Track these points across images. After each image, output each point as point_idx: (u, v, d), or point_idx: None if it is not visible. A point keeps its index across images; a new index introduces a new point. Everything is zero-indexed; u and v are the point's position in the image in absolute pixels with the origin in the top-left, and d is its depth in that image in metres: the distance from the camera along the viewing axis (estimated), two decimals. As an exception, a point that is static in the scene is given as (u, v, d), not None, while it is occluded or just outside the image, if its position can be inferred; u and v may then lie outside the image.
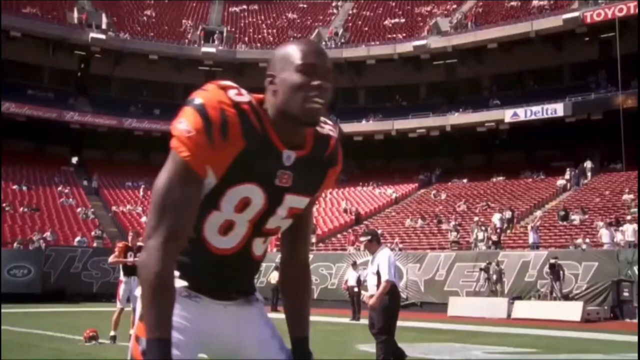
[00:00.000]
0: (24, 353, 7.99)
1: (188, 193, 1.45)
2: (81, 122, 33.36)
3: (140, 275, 1.42)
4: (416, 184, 32.42)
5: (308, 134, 1.59)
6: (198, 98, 1.46)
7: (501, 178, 30.64)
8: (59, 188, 29.66)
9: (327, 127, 1.66)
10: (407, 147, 34.29)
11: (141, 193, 31.68)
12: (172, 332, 1.44)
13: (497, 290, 17.68)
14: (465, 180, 31.46)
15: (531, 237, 20.01)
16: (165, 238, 1.42)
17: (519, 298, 17.12)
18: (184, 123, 1.45)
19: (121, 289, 9.03)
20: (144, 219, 27.97)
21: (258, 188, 1.52)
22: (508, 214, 23.66)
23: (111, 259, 9.22)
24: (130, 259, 8.81)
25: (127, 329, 8.32)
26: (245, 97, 1.50)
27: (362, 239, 6.85)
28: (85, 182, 31.86)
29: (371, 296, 6.24)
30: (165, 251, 1.42)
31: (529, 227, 20.73)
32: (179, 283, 1.59)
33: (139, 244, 8.75)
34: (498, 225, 22.62)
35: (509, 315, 16.19)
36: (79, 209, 27.99)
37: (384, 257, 6.21)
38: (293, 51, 1.50)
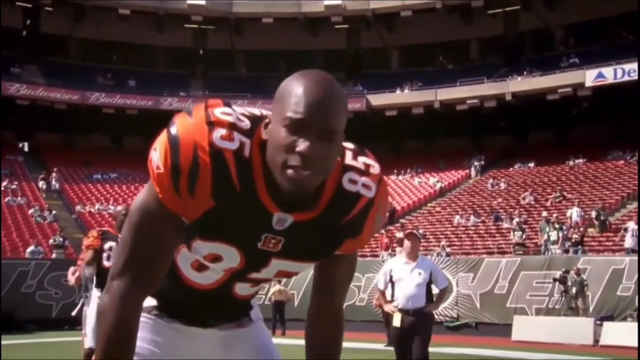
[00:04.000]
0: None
1: (162, 232, 1.56)
2: (31, 97, 33.40)
3: (98, 322, 1.57)
4: (467, 171, 32.49)
5: (326, 189, 1.58)
6: (177, 125, 1.51)
7: (580, 161, 30.50)
8: (4, 183, 29.58)
9: (361, 181, 1.62)
10: (454, 123, 34.24)
11: (114, 188, 31.62)
12: None
13: (579, 308, 17.45)
14: (531, 165, 31.44)
15: (629, 239, 19.71)
16: (131, 285, 1.55)
17: (610, 318, 16.85)
18: (157, 153, 1.52)
19: (89, 314, 8.03)
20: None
21: (233, 248, 1.60)
22: (591, 208, 23.46)
23: (71, 275, 8.74)
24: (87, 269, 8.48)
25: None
26: (233, 142, 1.50)
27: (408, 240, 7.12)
28: (39, 175, 31.84)
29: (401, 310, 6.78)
30: (130, 300, 1.55)
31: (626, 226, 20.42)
32: (148, 301, 1.73)
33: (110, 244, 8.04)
34: (577, 222, 22.35)
35: (596, 341, 15.97)
36: (31, 210, 28.03)
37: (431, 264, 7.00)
38: (287, 93, 1.48)
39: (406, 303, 6.80)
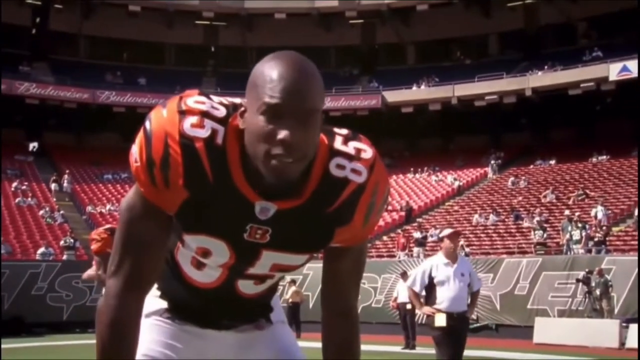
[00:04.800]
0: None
1: (150, 229, 1.57)
2: (40, 97, 33.53)
3: (96, 321, 1.62)
4: (485, 169, 32.42)
5: (312, 176, 1.55)
6: (151, 117, 1.54)
7: (604, 157, 30.38)
8: (14, 184, 29.76)
9: (350, 166, 1.57)
10: (472, 120, 34.22)
11: (125, 188, 31.74)
12: None
13: (603, 309, 17.35)
14: (552, 162, 31.37)
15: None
16: (125, 284, 1.57)
17: (636, 320, 16.54)
18: (135, 147, 1.55)
19: None
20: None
21: (219, 241, 1.60)
22: (615, 206, 23.52)
23: (87, 273, 8.91)
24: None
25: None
26: (204, 129, 1.50)
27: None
28: (49, 176, 32.03)
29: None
30: (125, 300, 1.56)
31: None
32: (160, 304, 1.80)
33: None
34: (602, 220, 22.23)
35: (622, 344, 15.79)
36: (41, 212, 28.17)
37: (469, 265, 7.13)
38: (260, 78, 1.46)
39: (452, 306, 6.67)
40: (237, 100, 1.60)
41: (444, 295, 6.67)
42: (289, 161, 1.43)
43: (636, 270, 17.50)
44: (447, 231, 7.02)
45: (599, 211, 22.91)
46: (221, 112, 1.53)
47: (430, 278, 6.74)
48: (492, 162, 32.52)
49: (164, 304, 1.83)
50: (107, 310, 1.56)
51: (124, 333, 1.57)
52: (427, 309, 6.81)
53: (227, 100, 1.58)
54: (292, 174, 1.46)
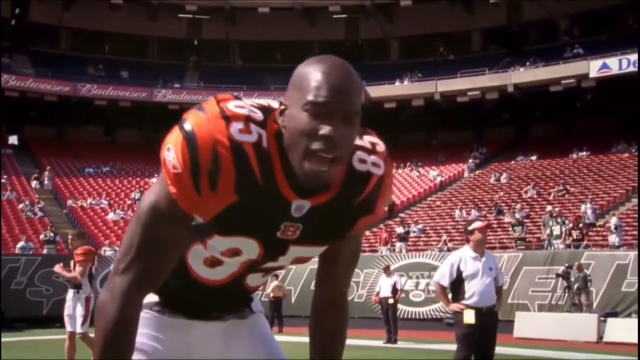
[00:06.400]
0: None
1: (172, 232, 1.58)
2: (20, 89, 33.27)
3: (97, 318, 1.57)
4: (468, 164, 32.39)
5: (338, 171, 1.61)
6: (191, 122, 1.52)
7: (584, 153, 30.56)
8: (-6, 177, 29.58)
9: (370, 160, 1.67)
10: (455, 116, 34.25)
11: (106, 182, 31.58)
12: (142, 357, 1.76)
13: (582, 304, 17.48)
14: (534, 158, 31.52)
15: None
16: (135, 283, 1.57)
17: (614, 315, 16.85)
18: (172, 153, 1.52)
19: (66, 307, 9.05)
20: (111, 215, 27.96)
21: (252, 241, 1.63)
22: (595, 202, 23.68)
23: (62, 271, 9.10)
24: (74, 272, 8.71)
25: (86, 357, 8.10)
26: (252, 134, 1.53)
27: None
28: (29, 169, 31.85)
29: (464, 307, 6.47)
30: (132, 298, 1.57)
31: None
32: (150, 297, 1.78)
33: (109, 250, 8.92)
34: (589, 217, 22.57)
35: (599, 337, 15.94)
36: (21, 205, 27.96)
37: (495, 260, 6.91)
38: (306, 78, 1.51)
39: (481, 301, 6.43)
40: (263, 102, 1.63)
41: (473, 290, 6.42)
42: (328, 158, 1.48)
43: (615, 264, 17.68)
44: (478, 224, 6.74)
45: (588, 208, 23.03)
46: (259, 115, 1.56)
47: (459, 272, 6.47)
48: (470, 161, 32.58)
49: (154, 298, 1.84)
50: (115, 307, 1.56)
51: (130, 330, 1.58)
52: (455, 306, 6.51)
53: (256, 102, 1.61)
54: (327, 178, 1.52)
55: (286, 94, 1.55)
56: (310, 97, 1.47)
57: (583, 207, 23.47)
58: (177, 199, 1.53)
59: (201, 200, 1.53)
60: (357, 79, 1.54)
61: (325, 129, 1.46)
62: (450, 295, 6.62)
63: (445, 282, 6.57)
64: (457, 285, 6.48)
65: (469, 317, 6.35)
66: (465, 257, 6.49)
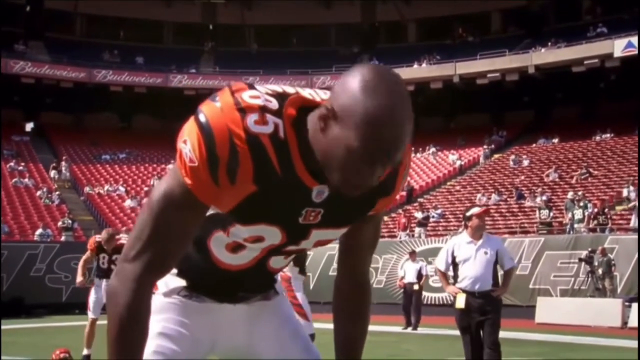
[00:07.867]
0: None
1: (186, 220, 1.59)
2: (36, 75, 33.42)
3: (108, 305, 1.58)
4: (488, 147, 32.27)
5: None
6: (206, 114, 1.51)
7: (607, 136, 30.33)
8: (10, 164, 29.88)
9: None
10: (474, 98, 34.14)
11: (123, 168, 31.75)
12: (167, 343, 1.81)
13: (606, 289, 17.41)
14: (555, 141, 31.34)
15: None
16: (146, 268, 1.58)
17: (639, 299, 16.62)
18: (188, 146, 1.52)
19: (92, 295, 9.45)
20: (128, 202, 28.11)
21: (275, 228, 1.66)
22: (619, 185, 23.64)
23: (79, 276, 9.68)
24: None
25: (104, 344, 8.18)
26: (268, 125, 1.52)
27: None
28: (46, 156, 32.04)
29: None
30: (143, 283, 1.58)
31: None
32: (177, 282, 1.87)
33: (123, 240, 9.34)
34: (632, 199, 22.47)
35: (624, 323, 15.90)
36: (39, 192, 28.21)
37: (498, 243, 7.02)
38: (359, 112, 1.43)
39: (472, 285, 6.58)
40: (278, 88, 1.60)
41: (464, 274, 6.62)
42: (364, 186, 1.53)
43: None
44: (476, 209, 6.89)
45: (631, 191, 22.93)
46: (274, 104, 1.54)
47: (453, 257, 6.71)
48: (495, 140, 32.53)
49: (182, 282, 1.88)
50: (126, 292, 1.56)
51: (142, 315, 1.59)
52: (451, 289, 6.77)
53: (270, 89, 1.59)
54: (362, 191, 1.55)
55: (333, 97, 1.48)
56: (359, 144, 1.44)
57: (625, 190, 23.25)
58: (194, 191, 1.54)
59: (219, 192, 1.54)
60: (411, 116, 1.50)
61: (367, 179, 1.50)
62: (452, 281, 6.91)
63: (442, 267, 6.89)
64: (455, 270, 6.76)
65: (460, 301, 6.62)
66: (460, 243, 6.79)
